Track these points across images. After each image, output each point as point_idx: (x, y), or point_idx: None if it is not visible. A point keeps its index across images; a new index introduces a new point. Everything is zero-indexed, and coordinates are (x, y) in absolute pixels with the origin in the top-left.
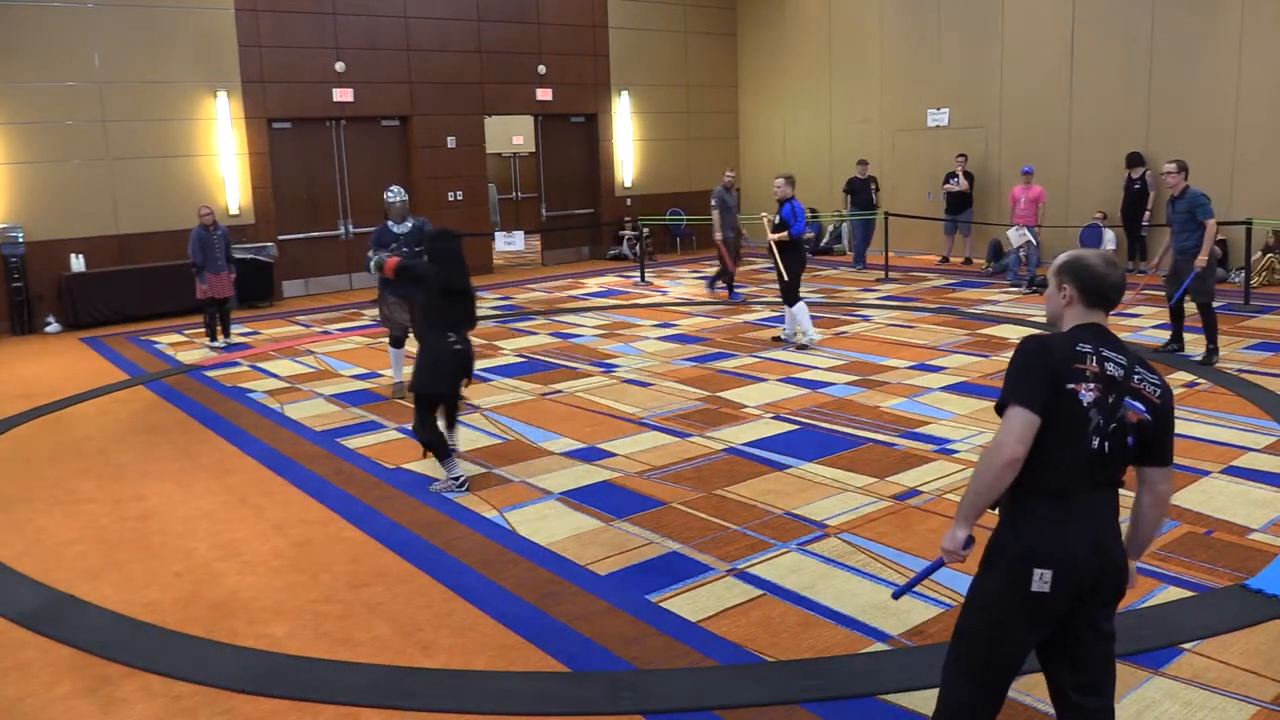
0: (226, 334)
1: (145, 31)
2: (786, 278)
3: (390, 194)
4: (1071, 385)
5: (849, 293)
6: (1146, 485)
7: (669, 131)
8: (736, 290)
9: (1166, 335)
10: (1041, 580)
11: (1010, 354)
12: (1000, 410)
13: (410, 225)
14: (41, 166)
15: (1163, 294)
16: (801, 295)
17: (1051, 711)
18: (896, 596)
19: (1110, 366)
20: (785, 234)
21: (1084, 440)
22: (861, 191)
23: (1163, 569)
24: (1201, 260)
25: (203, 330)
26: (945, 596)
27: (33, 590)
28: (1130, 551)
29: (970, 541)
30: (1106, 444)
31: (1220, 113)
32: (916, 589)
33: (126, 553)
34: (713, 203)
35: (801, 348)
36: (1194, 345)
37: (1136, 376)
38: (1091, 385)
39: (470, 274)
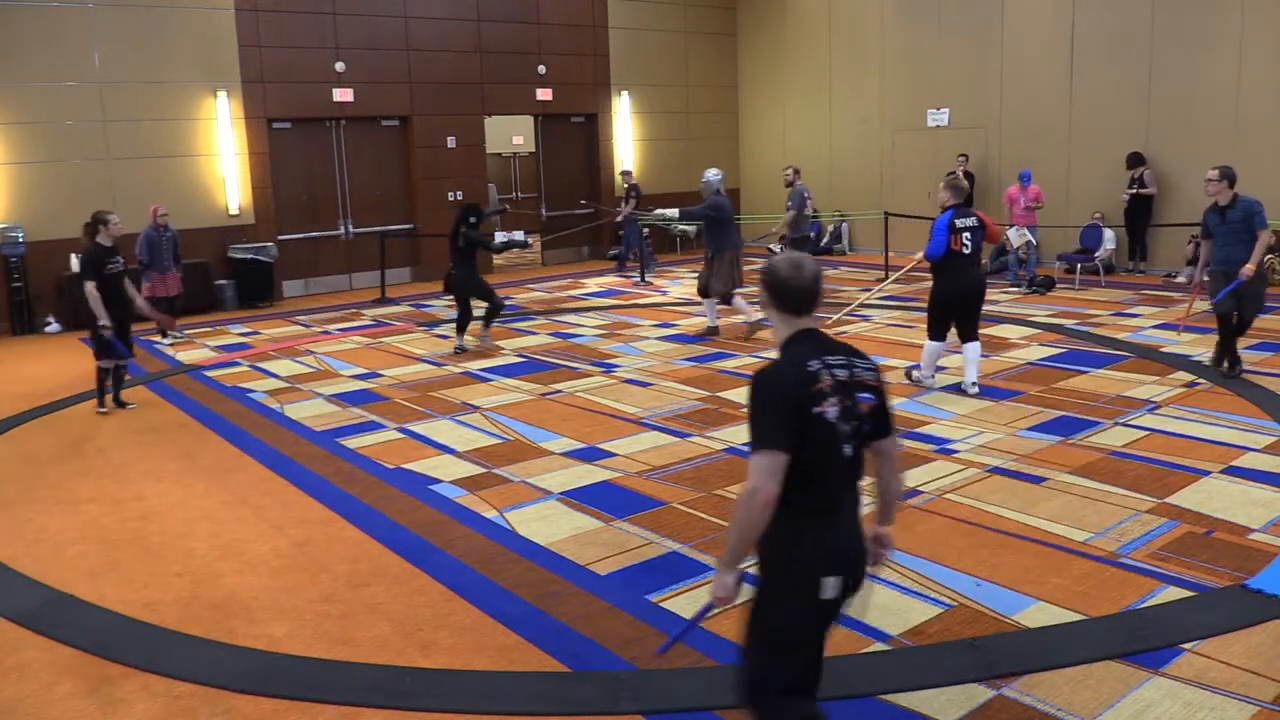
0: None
1: (145, 31)
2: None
3: (708, 174)
4: (817, 409)
5: (849, 292)
6: (881, 454)
7: (669, 131)
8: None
9: (1167, 334)
10: (831, 588)
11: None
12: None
13: (710, 202)
14: (41, 166)
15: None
16: (939, 334)
17: (1052, 711)
18: (662, 652)
19: (838, 372)
20: (919, 255)
21: (839, 451)
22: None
23: (1163, 569)
24: (1249, 269)
25: (209, 330)
26: (945, 597)
27: (33, 590)
28: (884, 519)
29: (740, 581)
30: (854, 445)
31: (1221, 112)
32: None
33: (126, 553)
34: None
35: (914, 380)
36: (1202, 346)
37: (856, 369)
38: (832, 399)
39: None
